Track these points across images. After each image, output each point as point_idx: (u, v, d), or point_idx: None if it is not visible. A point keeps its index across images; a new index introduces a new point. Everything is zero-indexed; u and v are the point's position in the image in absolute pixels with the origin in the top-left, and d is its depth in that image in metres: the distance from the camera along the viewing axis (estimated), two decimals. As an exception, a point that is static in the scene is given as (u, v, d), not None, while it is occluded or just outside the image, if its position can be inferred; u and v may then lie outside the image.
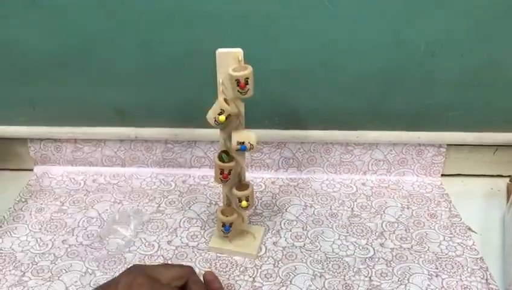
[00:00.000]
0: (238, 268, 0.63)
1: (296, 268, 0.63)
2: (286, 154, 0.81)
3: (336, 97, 0.75)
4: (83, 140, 0.81)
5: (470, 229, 0.70)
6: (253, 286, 0.60)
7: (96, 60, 0.72)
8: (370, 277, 0.61)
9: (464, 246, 0.66)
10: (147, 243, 0.67)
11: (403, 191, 0.78)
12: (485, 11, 0.66)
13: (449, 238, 0.67)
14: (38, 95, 0.77)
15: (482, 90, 0.73)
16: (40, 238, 0.68)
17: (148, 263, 0.64)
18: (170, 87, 0.75)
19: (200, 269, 0.62)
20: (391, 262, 0.63)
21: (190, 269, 0.53)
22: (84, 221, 0.72)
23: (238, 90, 0.54)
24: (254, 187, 0.77)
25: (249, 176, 0.80)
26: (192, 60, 0.71)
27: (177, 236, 0.69)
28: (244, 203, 0.61)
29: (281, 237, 0.68)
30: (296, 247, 0.66)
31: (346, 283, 0.60)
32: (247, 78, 0.54)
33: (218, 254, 0.65)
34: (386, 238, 0.67)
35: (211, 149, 0.81)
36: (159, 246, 0.67)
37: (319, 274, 0.61)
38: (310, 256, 0.64)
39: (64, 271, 0.62)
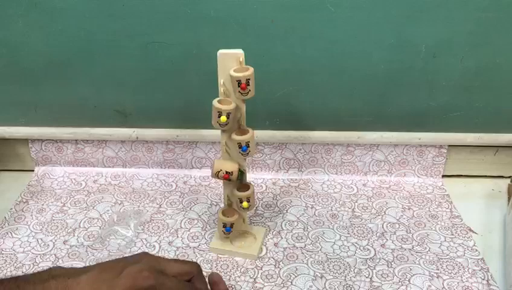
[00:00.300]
0: (239, 269, 0.63)
1: (297, 269, 0.63)
2: (287, 155, 0.81)
3: (337, 98, 0.75)
4: (84, 141, 0.81)
5: (470, 230, 0.70)
6: (254, 287, 0.60)
7: (97, 61, 0.73)
8: (371, 278, 0.61)
9: (465, 247, 0.66)
10: (148, 244, 0.67)
11: (403, 192, 0.78)
12: (485, 13, 0.66)
13: (450, 239, 0.67)
14: (40, 96, 0.77)
15: (483, 91, 0.73)
16: (41, 239, 0.68)
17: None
18: (171, 88, 0.75)
19: (201, 270, 0.62)
20: (392, 263, 0.63)
21: (197, 266, 0.53)
22: (85, 222, 0.72)
23: (239, 91, 0.54)
24: (255, 188, 0.78)
25: (250, 176, 0.80)
26: (193, 61, 0.71)
27: (178, 237, 0.69)
28: (245, 204, 0.61)
29: (281, 238, 0.68)
30: (297, 248, 0.66)
31: (347, 284, 0.60)
32: (249, 79, 0.54)
33: (219, 255, 0.65)
34: (386, 239, 0.67)
35: (212, 150, 0.81)
36: (159, 247, 0.67)
37: (319, 275, 0.61)
38: (311, 257, 0.65)
39: (65, 272, 0.62)
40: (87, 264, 0.63)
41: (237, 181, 0.61)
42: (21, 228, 0.70)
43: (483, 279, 0.61)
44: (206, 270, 0.62)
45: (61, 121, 0.79)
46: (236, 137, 0.57)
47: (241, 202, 0.61)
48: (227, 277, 0.61)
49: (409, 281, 0.60)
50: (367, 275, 0.61)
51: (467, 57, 0.70)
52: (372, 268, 0.62)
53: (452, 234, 0.68)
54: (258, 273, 0.62)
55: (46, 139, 0.81)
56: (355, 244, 0.67)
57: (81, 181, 0.81)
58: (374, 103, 0.75)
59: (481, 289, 0.59)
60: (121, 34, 0.70)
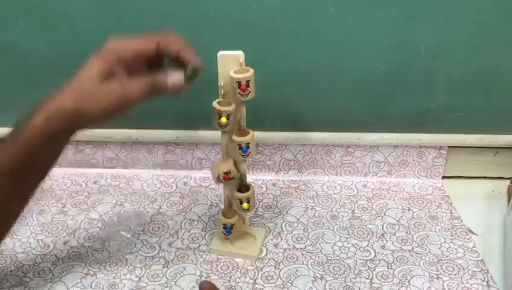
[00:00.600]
0: (239, 270, 0.63)
1: (297, 270, 0.63)
2: (287, 156, 0.81)
3: (337, 99, 0.75)
4: (84, 142, 0.82)
5: (470, 231, 0.70)
6: (254, 288, 0.60)
7: (98, 62, 0.73)
8: (371, 279, 0.61)
9: (465, 248, 0.66)
10: (148, 245, 0.67)
11: (403, 193, 0.78)
12: (485, 14, 0.66)
13: (450, 241, 0.67)
14: (41, 97, 0.77)
15: (483, 92, 0.73)
16: (41, 239, 0.68)
17: (149, 263, 0.64)
18: (171, 89, 0.75)
19: (201, 271, 0.62)
20: (392, 264, 0.63)
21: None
22: (85, 223, 0.72)
23: (239, 93, 0.54)
24: (255, 189, 0.78)
25: (250, 177, 0.80)
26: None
27: (178, 238, 0.69)
28: (245, 205, 0.62)
29: (282, 239, 0.68)
30: (297, 249, 0.66)
31: (347, 285, 0.60)
32: (249, 80, 0.54)
33: (219, 256, 0.65)
34: (386, 240, 0.68)
35: (212, 151, 0.81)
36: (160, 248, 0.67)
37: (320, 276, 0.62)
38: (311, 258, 0.65)
39: (65, 272, 0.62)
40: (88, 265, 0.63)
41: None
42: (21, 229, 0.70)
43: (483, 280, 0.61)
44: (206, 271, 0.62)
45: (62, 122, 0.79)
46: (237, 138, 0.57)
47: (241, 203, 0.61)
48: (227, 278, 0.61)
49: (409, 282, 0.60)
50: (367, 277, 0.61)
51: (467, 58, 0.70)
52: (372, 269, 0.62)
53: (452, 235, 0.68)
54: (258, 274, 0.62)
55: (47, 140, 0.81)
56: (355, 246, 0.67)
57: (81, 182, 0.81)
58: (374, 103, 0.75)
59: (481, 290, 0.60)
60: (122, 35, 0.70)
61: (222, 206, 0.70)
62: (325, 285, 0.60)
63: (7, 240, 0.68)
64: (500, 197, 0.77)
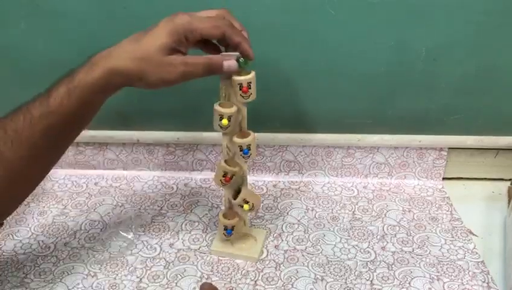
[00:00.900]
0: (239, 271, 0.63)
1: (297, 271, 0.63)
2: (287, 157, 0.81)
3: (338, 101, 0.75)
4: (85, 143, 0.82)
5: (471, 232, 0.70)
6: (255, 289, 0.60)
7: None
8: (371, 281, 0.61)
9: (465, 249, 0.66)
10: (148, 246, 0.67)
11: (404, 194, 0.78)
12: (485, 16, 0.66)
13: (450, 242, 0.67)
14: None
15: (483, 94, 0.73)
16: (42, 241, 0.68)
17: (149, 264, 0.64)
18: (172, 90, 0.74)
19: (202, 272, 0.63)
20: (392, 265, 0.63)
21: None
22: (86, 224, 0.72)
23: (240, 95, 0.55)
24: (255, 190, 0.78)
25: (251, 179, 0.80)
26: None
27: (179, 239, 0.69)
28: (246, 206, 0.62)
29: (282, 240, 0.68)
30: (297, 250, 0.66)
31: (347, 287, 0.60)
32: (250, 82, 0.54)
33: (219, 257, 0.65)
34: (387, 242, 0.68)
35: (213, 152, 0.81)
36: (160, 249, 0.67)
37: (320, 277, 0.62)
38: (312, 259, 0.65)
39: (66, 273, 0.63)
40: (89, 266, 0.63)
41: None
42: (22, 230, 0.71)
43: (483, 282, 0.61)
44: (207, 273, 0.62)
45: (63, 124, 0.79)
46: (238, 140, 0.58)
47: (245, 203, 0.61)
48: (228, 279, 0.61)
49: (409, 283, 0.61)
50: (367, 278, 0.61)
51: (467, 59, 0.70)
52: (372, 271, 0.63)
53: (452, 237, 0.68)
54: (258, 275, 0.62)
55: (47, 142, 0.81)
56: (356, 247, 0.67)
57: (82, 184, 0.82)
58: (374, 105, 0.75)
59: (481, 291, 0.60)
60: (122, 36, 0.70)
61: (223, 208, 0.70)
62: (325, 286, 0.60)
63: (8, 241, 0.68)
64: (500, 199, 0.77)
